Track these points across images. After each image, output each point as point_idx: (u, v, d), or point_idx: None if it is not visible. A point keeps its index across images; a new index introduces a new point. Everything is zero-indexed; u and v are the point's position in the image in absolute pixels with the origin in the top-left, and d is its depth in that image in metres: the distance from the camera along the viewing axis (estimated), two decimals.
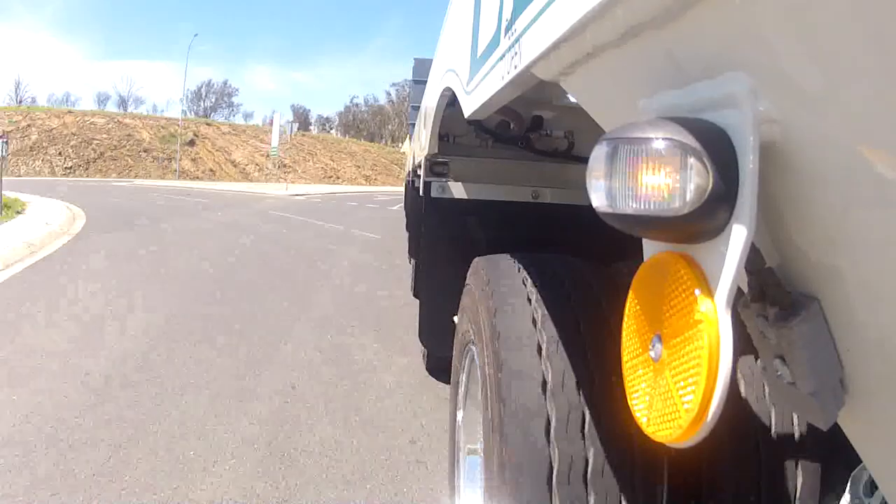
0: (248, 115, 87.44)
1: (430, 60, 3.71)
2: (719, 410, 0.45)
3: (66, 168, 43.64)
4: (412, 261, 4.92)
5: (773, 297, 0.48)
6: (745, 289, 0.51)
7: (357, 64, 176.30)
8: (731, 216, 0.45)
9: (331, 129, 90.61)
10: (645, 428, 0.53)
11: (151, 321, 4.56)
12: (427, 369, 3.65)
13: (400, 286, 6.21)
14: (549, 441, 1.14)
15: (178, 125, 50.25)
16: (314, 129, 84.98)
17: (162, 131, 50.87)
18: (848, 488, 1.06)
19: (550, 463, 1.12)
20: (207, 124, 56.97)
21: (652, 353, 0.53)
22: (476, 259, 1.69)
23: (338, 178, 56.97)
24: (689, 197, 0.44)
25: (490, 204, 2.64)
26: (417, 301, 3.21)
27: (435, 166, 2.70)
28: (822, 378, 0.48)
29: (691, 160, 0.44)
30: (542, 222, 2.52)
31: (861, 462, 1.04)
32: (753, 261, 0.48)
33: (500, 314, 1.36)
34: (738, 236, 0.45)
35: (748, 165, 0.44)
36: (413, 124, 7.61)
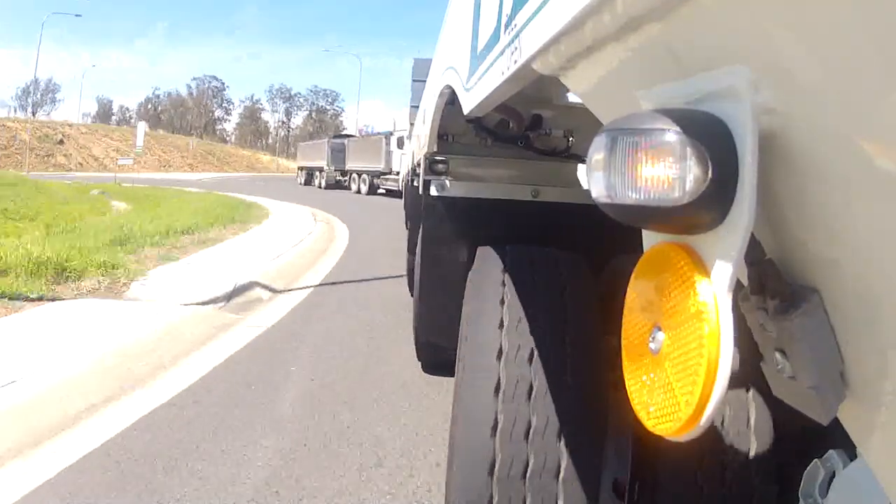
0: (86, 115, 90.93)
1: (430, 60, 3.70)
2: (719, 403, 0.44)
3: None
4: (410, 258, 5.10)
5: (773, 289, 0.48)
6: (745, 281, 0.50)
7: (152, 51, 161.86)
8: (731, 207, 0.45)
9: (131, 117, 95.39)
10: (645, 421, 0.52)
11: (278, 186, 32.00)
12: (420, 362, 3.75)
13: (288, 186, 32.17)
14: (497, 401, 1.28)
15: (49, 128, 61.39)
16: (114, 120, 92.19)
17: (37, 132, 59.31)
18: (801, 486, 1.04)
19: (496, 420, 1.27)
20: (69, 125, 65.67)
21: (652, 346, 0.52)
22: (478, 249, 1.82)
23: (170, 166, 65.49)
24: (688, 187, 0.44)
25: (489, 202, 2.63)
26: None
27: (434, 165, 2.69)
28: (822, 371, 0.47)
29: (690, 150, 0.44)
30: (541, 221, 2.51)
31: (814, 459, 1.03)
32: (753, 252, 0.48)
33: (472, 295, 1.51)
34: (737, 227, 0.45)
35: (748, 156, 0.44)
36: (413, 124, 7.61)
